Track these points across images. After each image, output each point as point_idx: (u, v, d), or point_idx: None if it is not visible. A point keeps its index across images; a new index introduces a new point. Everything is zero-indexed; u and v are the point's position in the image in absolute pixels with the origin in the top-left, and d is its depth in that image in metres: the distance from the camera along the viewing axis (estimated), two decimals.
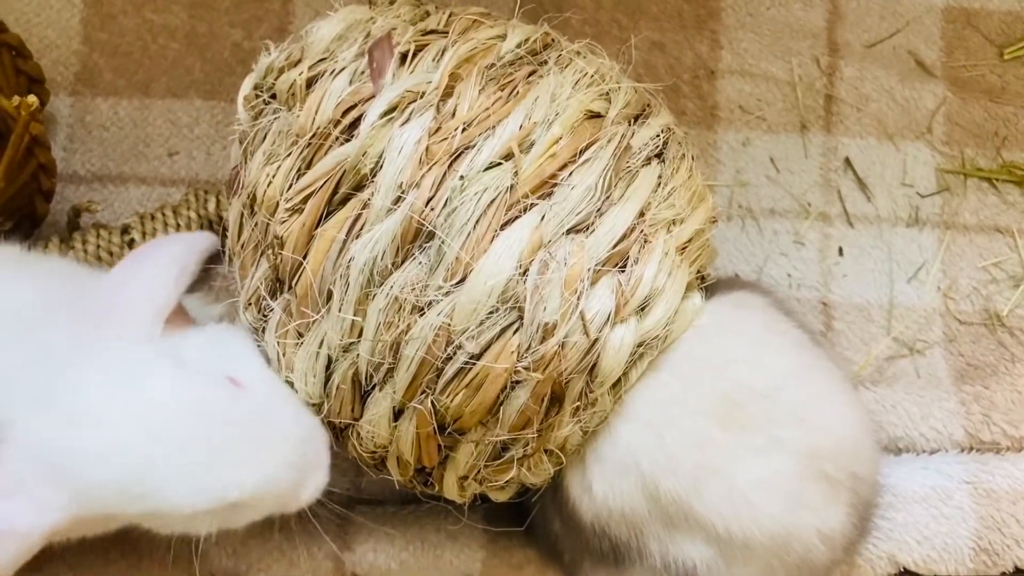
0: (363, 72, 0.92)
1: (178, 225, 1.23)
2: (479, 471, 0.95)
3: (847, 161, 1.41)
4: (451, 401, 0.88)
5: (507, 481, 0.97)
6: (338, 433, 0.98)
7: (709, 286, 1.05)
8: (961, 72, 1.44)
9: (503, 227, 0.86)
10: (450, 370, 0.87)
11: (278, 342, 0.94)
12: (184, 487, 0.86)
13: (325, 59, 0.95)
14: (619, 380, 0.93)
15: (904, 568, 1.18)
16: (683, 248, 0.96)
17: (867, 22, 1.46)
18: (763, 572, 0.99)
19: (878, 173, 1.41)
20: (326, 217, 0.89)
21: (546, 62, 0.97)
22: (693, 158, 1.02)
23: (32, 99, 1.11)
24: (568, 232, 0.87)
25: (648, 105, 1.02)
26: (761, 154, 1.41)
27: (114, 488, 0.84)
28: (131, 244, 1.22)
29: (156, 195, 1.36)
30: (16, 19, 1.40)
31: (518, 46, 0.97)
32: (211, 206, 1.24)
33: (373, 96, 0.90)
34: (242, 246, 0.98)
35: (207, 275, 1.05)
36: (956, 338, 1.35)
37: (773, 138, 1.41)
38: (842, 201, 1.39)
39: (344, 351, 0.90)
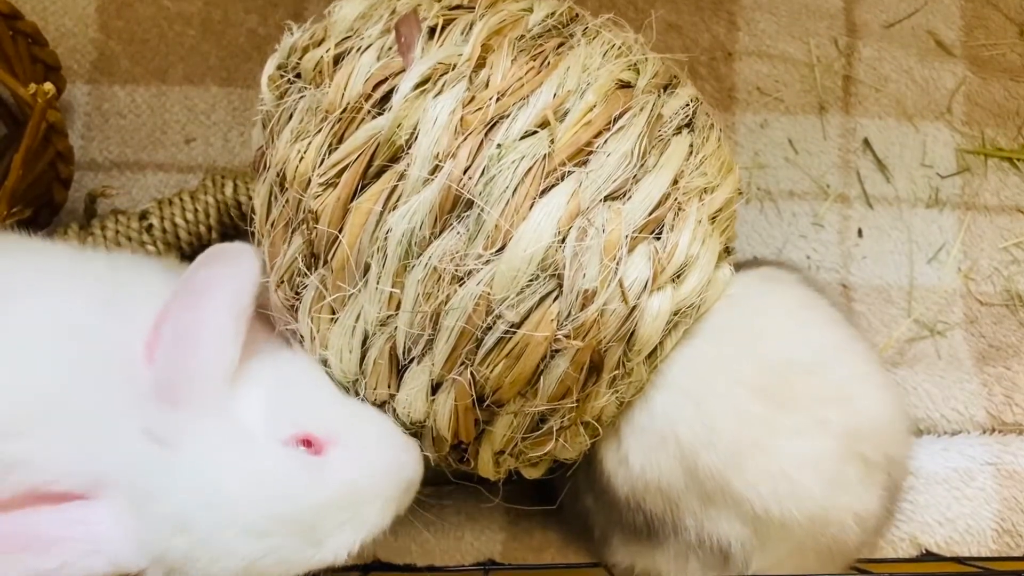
0: (390, 48, 0.92)
1: (196, 210, 1.23)
2: (516, 444, 0.94)
3: (866, 142, 1.40)
4: (491, 372, 0.88)
5: (542, 456, 0.97)
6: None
7: (734, 264, 1.04)
8: (981, 51, 1.44)
9: (541, 194, 0.86)
10: (490, 340, 0.87)
11: (312, 318, 0.94)
12: (288, 567, 0.86)
13: (350, 37, 0.95)
14: (654, 350, 0.93)
15: (926, 550, 1.18)
16: (714, 217, 0.96)
17: (885, 2, 1.46)
18: (794, 552, 0.98)
19: (897, 154, 1.40)
20: (361, 190, 0.89)
21: (573, 34, 0.97)
22: (720, 129, 1.03)
23: (48, 87, 1.11)
24: (605, 199, 0.87)
25: (675, 77, 1.02)
26: (779, 136, 1.41)
27: None
28: (149, 229, 1.22)
29: (174, 181, 1.36)
30: (32, 7, 1.40)
31: (546, 18, 0.97)
32: (228, 191, 1.24)
33: (403, 70, 0.90)
34: (271, 225, 0.97)
35: None
36: (977, 319, 1.34)
37: (791, 119, 1.41)
38: (861, 182, 1.39)
39: (381, 325, 0.90)
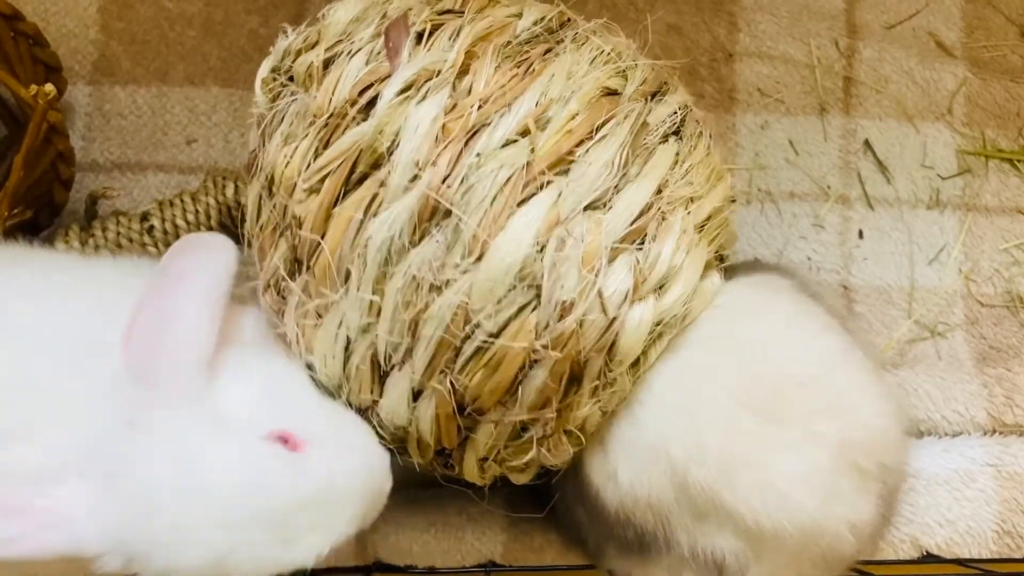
0: (380, 52, 0.92)
1: (197, 211, 1.24)
2: (499, 452, 0.94)
3: (867, 143, 1.40)
4: (469, 381, 0.87)
5: (527, 463, 0.96)
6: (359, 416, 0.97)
7: (729, 269, 1.04)
8: (981, 52, 1.43)
9: (520, 204, 0.85)
10: (468, 349, 0.86)
11: (297, 323, 0.94)
12: (257, 565, 0.84)
13: (342, 41, 0.95)
14: (638, 360, 0.92)
15: (927, 551, 1.17)
16: (701, 226, 0.95)
17: (886, 3, 1.45)
18: (790, 562, 0.97)
19: (898, 155, 1.40)
20: (344, 197, 0.88)
21: (562, 40, 0.96)
22: (711, 136, 1.02)
23: (49, 88, 1.12)
24: (585, 209, 0.86)
25: (665, 83, 1.01)
26: (780, 137, 1.40)
27: (183, 571, 0.83)
28: (150, 231, 1.22)
29: (175, 182, 1.37)
30: (34, 8, 1.40)
31: (534, 24, 0.96)
32: (229, 192, 1.25)
33: (389, 75, 0.89)
34: (260, 228, 0.97)
35: None
36: (978, 320, 1.34)
37: (792, 121, 1.41)
38: (862, 183, 1.39)
39: (363, 332, 0.90)
